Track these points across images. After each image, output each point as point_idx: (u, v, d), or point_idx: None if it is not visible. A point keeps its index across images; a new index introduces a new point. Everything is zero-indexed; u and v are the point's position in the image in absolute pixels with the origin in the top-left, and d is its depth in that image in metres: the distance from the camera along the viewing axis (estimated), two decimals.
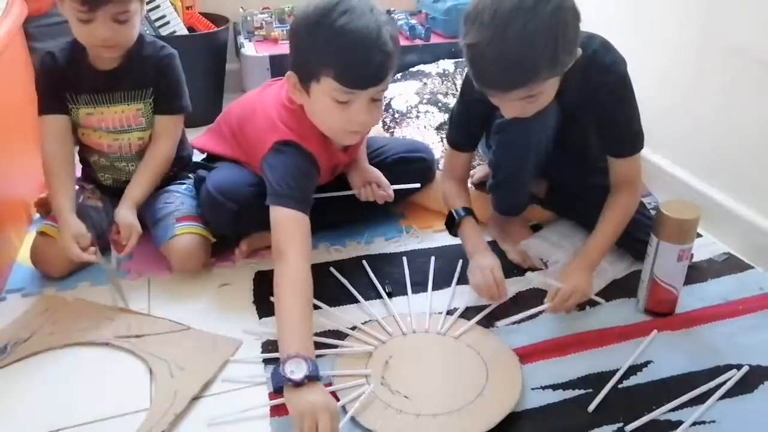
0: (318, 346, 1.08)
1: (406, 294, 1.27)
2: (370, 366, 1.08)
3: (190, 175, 1.46)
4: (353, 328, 1.17)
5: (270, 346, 1.12)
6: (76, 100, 1.31)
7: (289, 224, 1.14)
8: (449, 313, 1.21)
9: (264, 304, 1.22)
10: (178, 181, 1.43)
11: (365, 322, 1.19)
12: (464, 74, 1.28)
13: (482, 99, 1.13)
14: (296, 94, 1.20)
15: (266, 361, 1.09)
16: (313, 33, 1.12)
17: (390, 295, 1.26)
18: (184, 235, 1.30)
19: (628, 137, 1.22)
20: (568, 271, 1.21)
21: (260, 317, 1.19)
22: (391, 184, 1.40)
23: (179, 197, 1.38)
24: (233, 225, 1.32)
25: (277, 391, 0.99)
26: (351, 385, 1.04)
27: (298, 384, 0.95)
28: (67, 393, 1.04)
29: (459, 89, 1.38)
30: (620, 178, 1.25)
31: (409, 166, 1.49)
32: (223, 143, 1.40)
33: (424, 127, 1.80)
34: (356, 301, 1.25)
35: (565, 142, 1.29)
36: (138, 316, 1.21)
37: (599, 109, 1.20)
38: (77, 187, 1.38)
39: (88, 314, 1.21)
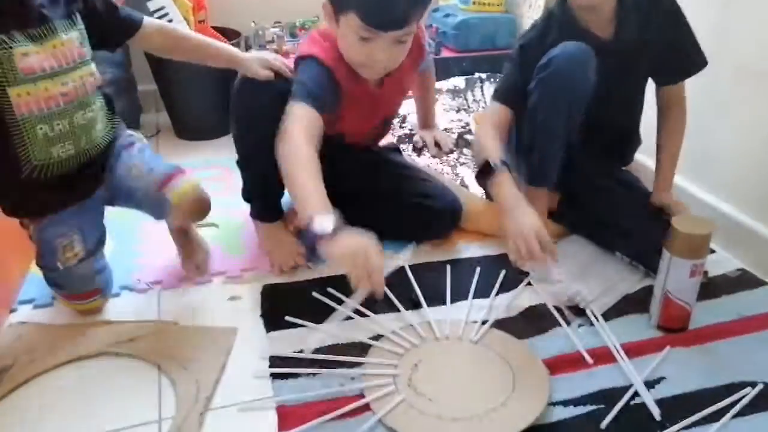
0: (351, 351, 1.13)
1: (443, 304, 1.27)
2: (399, 367, 1.09)
3: (132, 133, 1.33)
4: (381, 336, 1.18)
5: (278, 360, 1.11)
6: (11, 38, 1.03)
7: (297, 111, 1.17)
8: (484, 323, 1.21)
9: (271, 318, 1.22)
10: (121, 144, 1.27)
11: (401, 328, 1.19)
12: (524, 38, 1.38)
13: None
14: (330, 23, 1.25)
15: (274, 376, 1.08)
16: None
17: (418, 305, 1.26)
18: (184, 193, 1.20)
19: (695, 50, 1.33)
20: (654, 199, 1.37)
21: (268, 331, 1.19)
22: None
23: (138, 156, 1.25)
24: (260, 119, 1.26)
25: (312, 251, 1.04)
26: (377, 384, 1.05)
27: (330, 236, 0.99)
28: (75, 408, 1.02)
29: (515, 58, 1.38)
30: (672, 101, 1.38)
31: (422, 213, 1.43)
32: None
33: None
34: (395, 309, 1.25)
35: (612, 95, 1.32)
36: (119, 323, 1.20)
37: (663, 31, 1.30)
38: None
39: (63, 334, 1.17)
